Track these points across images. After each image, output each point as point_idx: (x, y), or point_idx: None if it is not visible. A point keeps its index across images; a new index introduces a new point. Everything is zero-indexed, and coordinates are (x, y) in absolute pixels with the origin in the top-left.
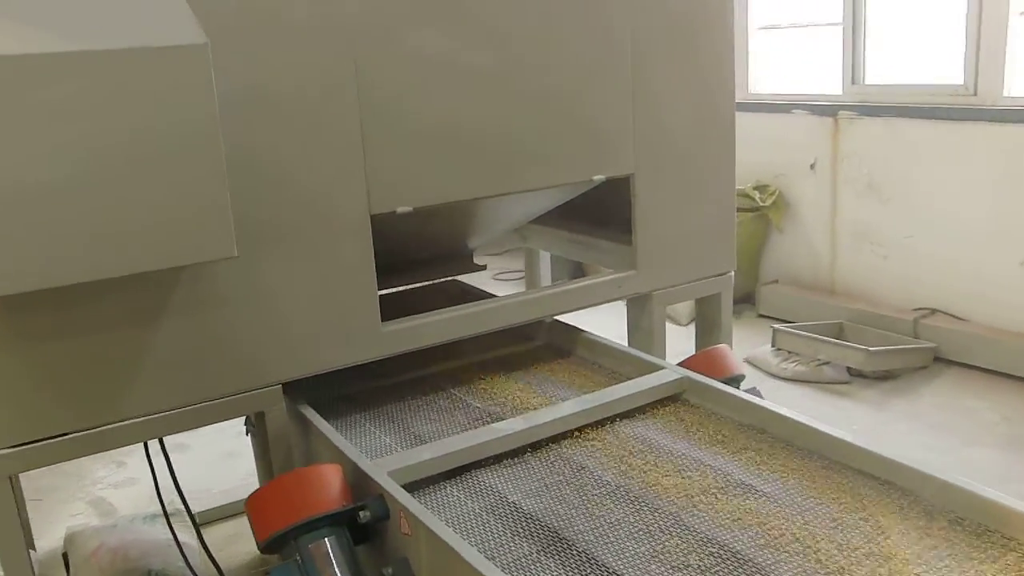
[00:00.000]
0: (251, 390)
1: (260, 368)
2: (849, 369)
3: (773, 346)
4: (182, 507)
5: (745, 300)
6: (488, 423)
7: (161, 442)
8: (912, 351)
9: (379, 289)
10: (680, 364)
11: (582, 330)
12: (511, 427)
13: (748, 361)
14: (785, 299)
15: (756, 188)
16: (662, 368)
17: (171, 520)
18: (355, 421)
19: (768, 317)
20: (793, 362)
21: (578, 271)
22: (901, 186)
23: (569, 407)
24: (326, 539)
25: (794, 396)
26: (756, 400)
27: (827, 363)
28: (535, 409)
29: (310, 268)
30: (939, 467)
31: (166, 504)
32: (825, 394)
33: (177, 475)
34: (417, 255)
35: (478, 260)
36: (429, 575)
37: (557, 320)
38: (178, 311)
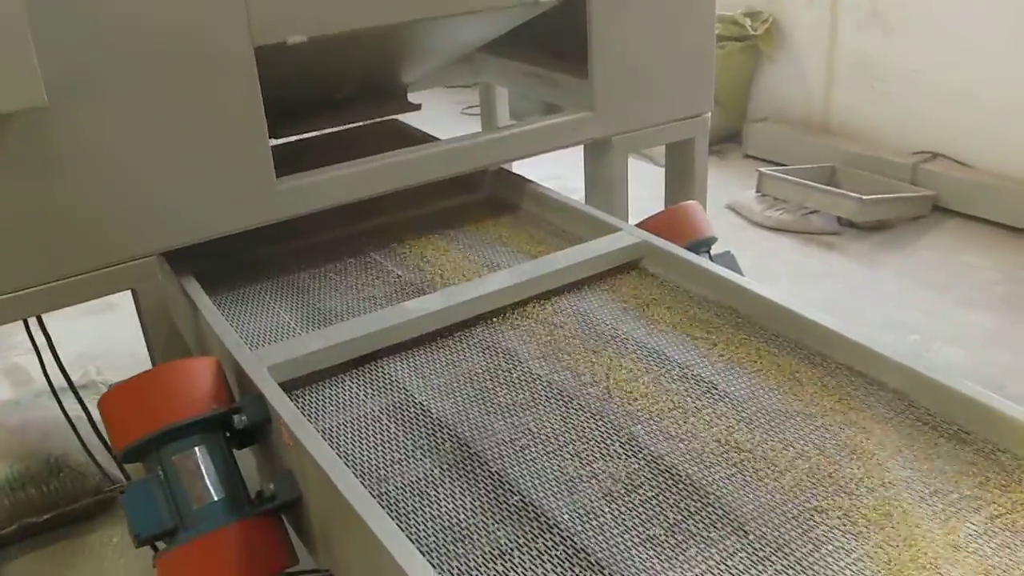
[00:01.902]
0: (117, 264)
1: (126, 238)
2: (839, 219)
3: (758, 192)
4: (101, 378)
5: (730, 139)
6: (410, 297)
7: (40, 321)
8: (909, 200)
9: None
10: (640, 224)
11: (529, 181)
12: (425, 307)
13: (730, 207)
14: (775, 138)
15: (747, 15)
16: (618, 230)
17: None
18: (255, 295)
19: (755, 158)
20: (779, 210)
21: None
22: (909, 13)
23: (498, 281)
24: (196, 449)
25: (777, 248)
26: (725, 273)
27: (815, 212)
28: (467, 279)
29: (179, 116)
30: (936, 365)
31: (91, 372)
32: (811, 246)
33: (104, 338)
34: (338, 93)
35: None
36: (317, 492)
37: (503, 168)
38: (11, 176)
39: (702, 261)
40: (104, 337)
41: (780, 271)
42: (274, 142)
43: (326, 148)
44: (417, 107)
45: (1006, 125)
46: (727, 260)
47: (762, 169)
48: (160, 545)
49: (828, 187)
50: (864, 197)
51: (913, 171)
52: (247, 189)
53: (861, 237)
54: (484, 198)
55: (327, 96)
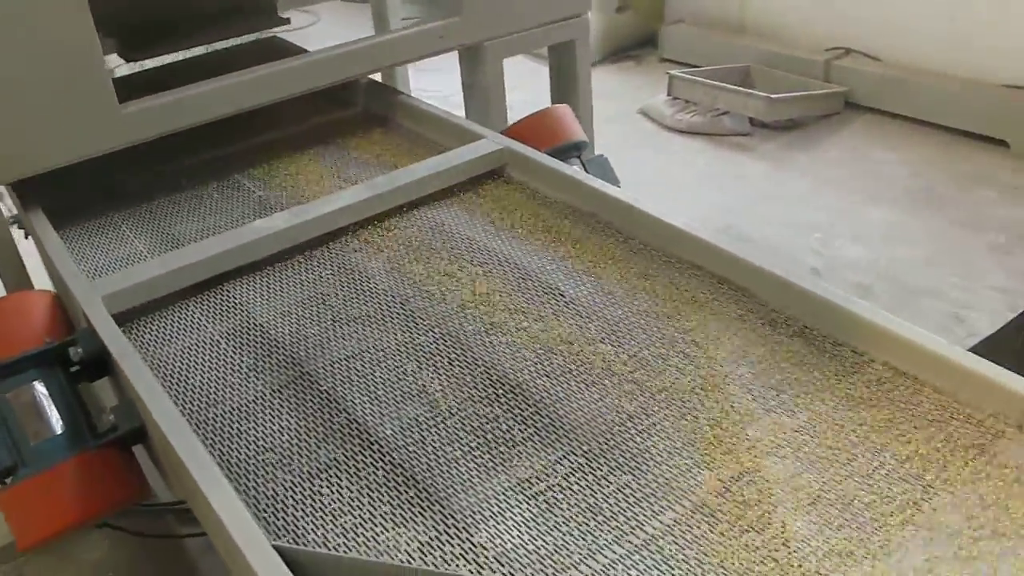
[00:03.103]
0: None
1: None
2: (751, 120)
3: (669, 95)
4: None
5: (648, 43)
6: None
7: None
8: (819, 97)
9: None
10: (505, 131)
11: (400, 93)
12: (270, 226)
13: (642, 112)
14: (690, 40)
15: None
16: (481, 138)
17: None
18: (112, 226)
19: (672, 62)
20: (689, 112)
21: None
22: None
23: (349, 196)
24: (33, 384)
25: (687, 151)
26: (584, 178)
27: (726, 113)
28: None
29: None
30: (795, 268)
31: None
32: (722, 148)
33: None
34: (202, 10)
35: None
36: (149, 421)
37: (375, 81)
38: None
39: (562, 166)
40: None
41: (689, 174)
42: (146, 64)
43: (201, 70)
44: (286, 21)
45: (916, 18)
46: (600, 164)
47: (672, 72)
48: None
49: (737, 87)
50: (772, 96)
51: (826, 68)
52: (86, 115)
53: (772, 137)
54: (358, 113)
55: (188, 14)
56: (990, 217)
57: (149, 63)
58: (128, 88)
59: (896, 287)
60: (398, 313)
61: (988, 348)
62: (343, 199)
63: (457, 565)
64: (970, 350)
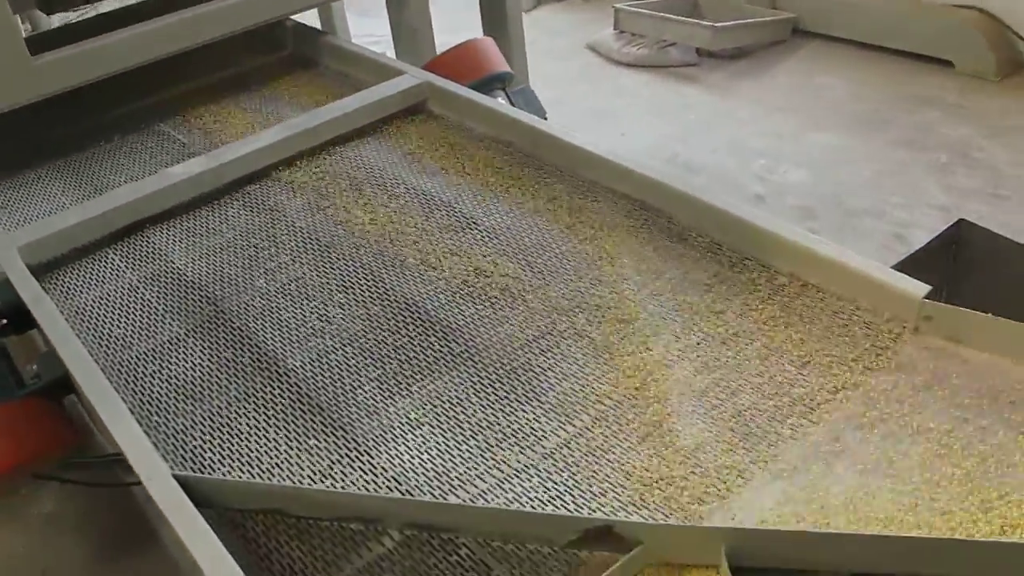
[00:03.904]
0: None
1: None
2: (698, 50)
3: (615, 29)
4: None
5: None
6: None
7: None
8: (766, 24)
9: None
10: (426, 65)
11: (326, 34)
12: (188, 171)
13: (590, 47)
14: None
15: None
16: (401, 73)
17: None
18: (36, 180)
19: None
20: (636, 45)
21: None
22: None
23: (268, 137)
24: None
25: (635, 84)
26: (501, 107)
27: (673, 44)
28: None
29: None
30: (703, 187)
31: None
32: (669, 79)
33: None
34: None
35: None
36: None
37: (302, 24)
38: None
39: (481, 98)
40: None
41: (637, 106)
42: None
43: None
44: None
45: None
46: (526, 96)
47: (618, 4)
48: None
49: (682, 18)
50: (718, 25)
51: None
52: None
53: (719, 67)
54: (286, 57)
55: None
56: (934, 137)
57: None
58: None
59: (839, 209)
60: (315, 250)
61: (920, 260)
62: (260, 140)
63: (356, 487)
64: (901, 263)
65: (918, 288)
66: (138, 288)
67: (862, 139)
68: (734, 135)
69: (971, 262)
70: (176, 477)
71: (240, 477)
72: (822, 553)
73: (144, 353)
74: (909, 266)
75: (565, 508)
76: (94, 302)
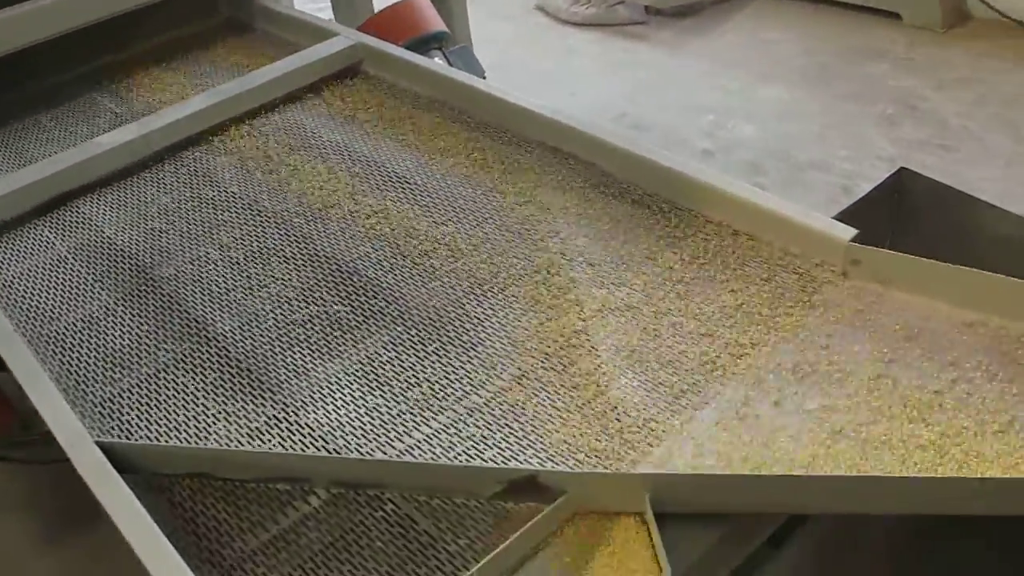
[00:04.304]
0: None
1: None
2: (647, 8)
3: None
4: None
5: None
6: None
7: None
8: None
9: None
10: (362, 26)
11: None
12: (118, 139)
13: (538, 7)
14: None
15: None
16: (335, 35)
17: None
18: None
19: None
20: (585, 4)
21: None
22: None
23: (199, 103)
24: None
25: (584, 43)
26: (435, 67)
27: (621, 2)
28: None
29: None
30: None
31: None
32: (618, 37)
33: None
34: None
35: None
36: None
37: None
38: None
39: (414, 58)
40: None
41: (586, 66)
42: None
43: None
44: None
45: None
46: (464, 56)
47: None
48: None
49: None
50: None
51: None
52: None
53: (668, 24)
54: (221, 22)
55: None
56: (881, 90)
57: None
58: None
59: (787, 163)
60: (247, 215)
61: (862, 210)
62: (191, 106)
63: (284, 448)
64: (843, 212)
65: (845, 232)
66: (67, 259)
67: (810, 93)
68: (683, 92)
69: (913, 210)
70: (99, 443)
71: (168, 442)
72: (744, 496)
73: (73, 324)
74: (852, 216)
75: (492, 462)
76: (22, 275)
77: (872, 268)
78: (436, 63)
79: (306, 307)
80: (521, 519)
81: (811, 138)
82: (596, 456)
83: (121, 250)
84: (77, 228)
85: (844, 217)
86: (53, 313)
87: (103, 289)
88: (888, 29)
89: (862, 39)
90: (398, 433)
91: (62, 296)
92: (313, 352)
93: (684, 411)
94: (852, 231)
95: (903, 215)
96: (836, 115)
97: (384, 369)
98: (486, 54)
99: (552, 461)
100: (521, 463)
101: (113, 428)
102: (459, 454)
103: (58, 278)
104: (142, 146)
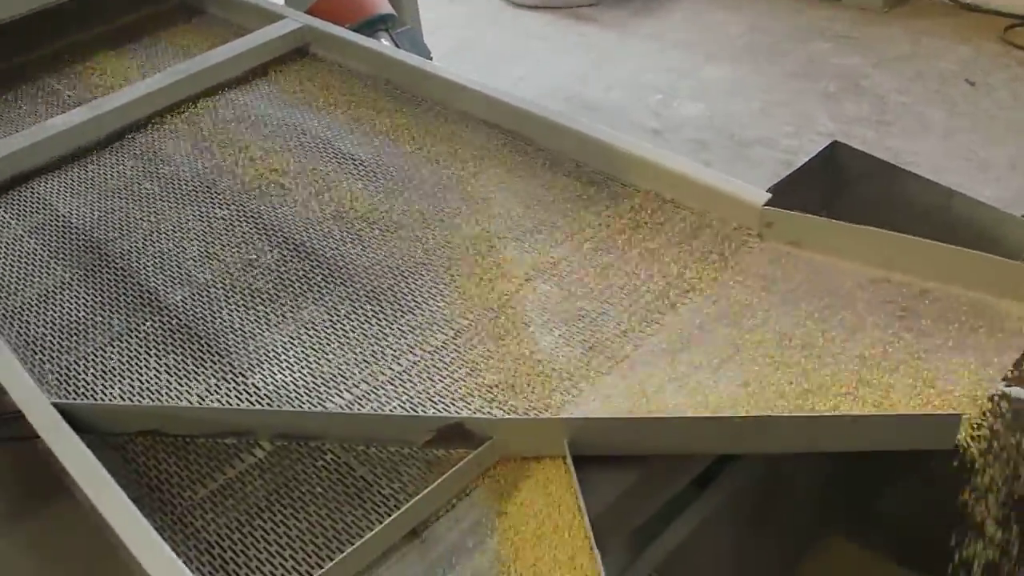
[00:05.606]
0: None
1: None
2: None
3: None
4: None
5: None
6: None
7: None
8: None
9: None
10: (310, 9)
11: None
12: (70, 121)
13: None
14: None
15: None
16: (282, 18)
17: None
18: None
19: None
20: None
21: None
22: None
23: (148, 85)
24: None
25: (536, 25)
26: (379, 47)
27: None
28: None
29: None
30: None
31: None
32: (570, 20)
33: None
34: None
35: None
36: None
37: None
38: None
39: (361, 39)
40: None
41: (537, 48)
42: None
43: None
44: None
45: None
46: (410, 37)
47: None
48: None
49: None
50: None
51: None
52: None
53: (618, 5)
54: (174, 7)
55: None
56: (823, 67)
57: None
58: None
59: (732, 140)
60: (197, 192)
61: (797, 181)
62: (141, 89)
63: (233, 406)
64: (780, 183)
65: (759, 196)
66: (23, 238)
67: (755, 72)
68: (632, 72)
69: (846, 181)
70: (56, 405)
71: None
72: (656, 437)
73: (30, 299)
74: (788, 186)
75: (424, 413)
76: None
77: (785, 230)
78: (383, 44)
79: (254, 277)
80: (450, 464)
81: (756, 115)
82: (524, 406)
83: (77, 228)
84: (33, 208)
85: (780, 187)
86: (11, 289)
87: (59, 265)
88: (832, 9)
89: (807, 19)
90: (340, 390)
91: (20, 273)
92: (261, 318)
93: (605, 363)
94: (765, 195)
95: (836, 185)
96: (780, 93)
97: (326, 333)
98: (441, 37)
99: (482, 412)
100: (451, 414)
101: (70, 394)
102: (395, 408)
103: (15, 256)
104: (94, 128)
